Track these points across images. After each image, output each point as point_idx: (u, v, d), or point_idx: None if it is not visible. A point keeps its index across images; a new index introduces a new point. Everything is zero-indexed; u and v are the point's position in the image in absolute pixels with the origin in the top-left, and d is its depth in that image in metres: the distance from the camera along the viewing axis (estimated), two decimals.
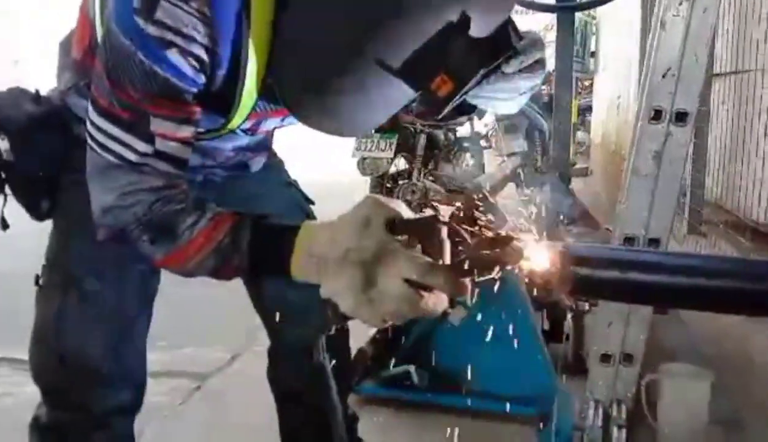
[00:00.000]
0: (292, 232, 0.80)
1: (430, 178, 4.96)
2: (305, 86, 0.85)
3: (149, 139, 0.84)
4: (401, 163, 5.12)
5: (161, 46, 0.81)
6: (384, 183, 4.92)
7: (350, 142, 4.84)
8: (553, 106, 3.37)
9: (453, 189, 4.92)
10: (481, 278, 0.73)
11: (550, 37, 4.00)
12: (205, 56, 0.84)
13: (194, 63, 0.84)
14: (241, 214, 0.84)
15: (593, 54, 8.91)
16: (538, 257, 0.71)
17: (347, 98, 0.83)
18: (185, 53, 0.82)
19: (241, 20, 0.85)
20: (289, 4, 0.83)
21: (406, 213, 0.78)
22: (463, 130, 5.47)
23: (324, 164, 7.07)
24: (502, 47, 0.80)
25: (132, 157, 0.84)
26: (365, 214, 0.77)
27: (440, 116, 0.82)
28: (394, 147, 4.66)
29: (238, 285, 1.33)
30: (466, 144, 5.52)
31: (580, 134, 8.46)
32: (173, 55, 0.82)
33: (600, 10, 7.82)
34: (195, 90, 0.86)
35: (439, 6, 0.75)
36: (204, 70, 0.86)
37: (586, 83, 9.11)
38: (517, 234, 0.73)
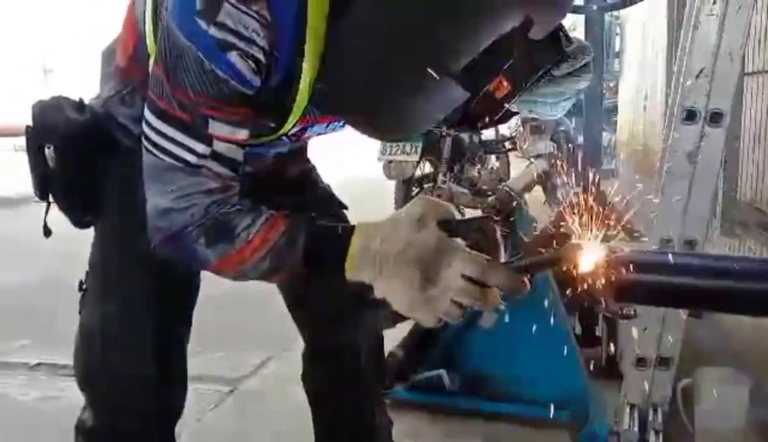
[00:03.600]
0: (347, 231, 0.81)
1: (456, 181, 4.94)
2: (359, 91, 0.85)
3: (208, 140, 0.85)
4: (426, 167, 5.12)
5: (222, 48, 0.82)
6: (410, 186, 4.92)
7: (375, 146, 4.85)
8: (579, 108, 3.35)
9: (478, 192, 4.90)
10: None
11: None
12: (263, 59, 0.85)
13: (253, 66, 0.84)
14: (294, 215, 0.84)
15: (618, 54, 8.83)
16: (587, 259, 0.71)
17: (400, 102, 0.83)
18: (245, 56, 0.83)
19: (297, 25, 0.86)
20: (344, 10, 0.84)
21: (456, 214, 0.79)
22: (488, 133, 5.45)
23: (349, 168, 7.09)
24: (556, 50, 0.80)
25: (191, 158, 0.85)
26: (420, 213, 0.78)
27: (497, 119, 0.83)
28: (419, 151, 4.66)
29: (269, 289, 1.34)
30: (491, 147, 5.49)
31: (605, 135, 8.37)
32: (234, 57, 0.83)
33: (624, 11, 7.75)
34: (251, 93, 0.87)
35: (499, 10, 0.75)
36: (261, 74, 0.86)
37: (611, 84, 9.02)
38: (569, 235, 0.73)
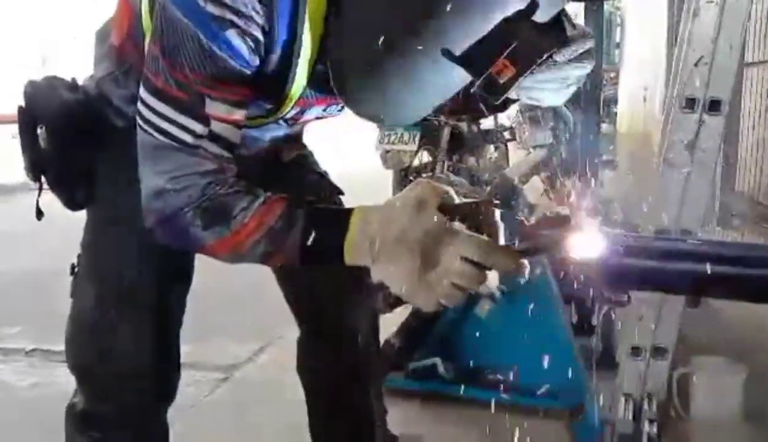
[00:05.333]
0: (346, 213, 0.81)
1: (454, 171, 4.93)
2: (359, 73, 0.84)
3: (205, 120, 0.84)
4: (424, 156, 5.10)
5: (220, 25, 0.81)
6: (407, 176, 4.91)
7: (372, 135, 4.84)
8: (578, 98, 3.33)
9: (477, 182, 4.89)
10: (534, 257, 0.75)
11: None
12: (261, 38, 0.84)
13: (251, 44, 0.83)
14: (292, 198, 0.84)
15: (618, 45, 8.81)
16: (586, 243, 0.71)
17: (401, 85, 0.82)
18: (243, 34, 0.82)
19: (297, 4, 0.85)
20: None
21: (456, 198, 0.78)
22: (487, 123, 5.43)
23: (347, 156, 7.07)
24: (560, 34, 0.79)
25: (188, 138, 0.84)
26: (419, 196, 0.77)
27: (498, 103, 0.82)
28: (417, 140, 4.64)
29: (265, 276, 1.33)
30: (490, 136, 5.48)
31: (605, 126, 8.35)
32: (232, 35, 0.82)
33: (625, 0, 7.73)
34: (249, 72, 0.85)
35: None
36: (259, 53, 0.85)
37: (611, 75, 8.99)
38: (567, 218, 0.73)
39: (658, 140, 1.92)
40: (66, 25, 9.26)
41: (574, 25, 0.86)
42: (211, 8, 0.80)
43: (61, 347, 1.17)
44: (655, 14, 5.42)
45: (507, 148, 5.70)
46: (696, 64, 1.69)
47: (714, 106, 1.68)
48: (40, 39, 9.33)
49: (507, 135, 5.61)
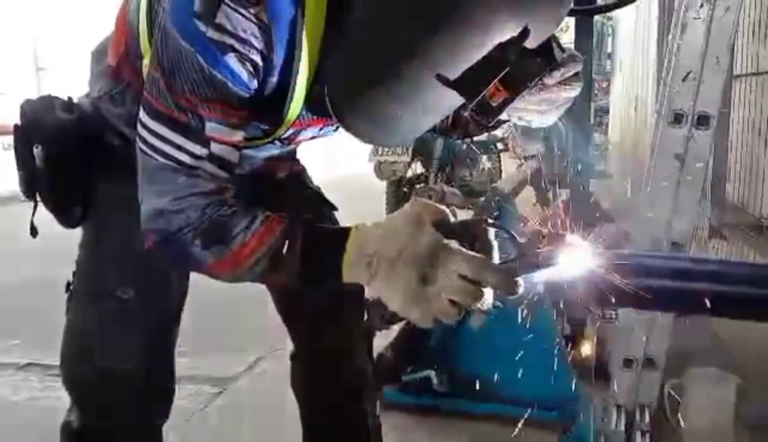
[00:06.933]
0: (344, 232, 0.82)
1: (447, 182, 4.95)
2: (355, 95, 0.86)
3: (205, 142, 0.85)
4: (418, 167, 5.13)
5: (221, 50, 0.82)
6: (401, 187, 4.93)
7: (366, 146, 4.86)
8: (570, 109, 3.35)
9: (470, 193, 4.91)
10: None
11: (566, 39, 3.98)
12: (260, 62, 0.86)
13: (250, 68, 0.85)
14: (291, 217, 0.85)
15: (609, 55, 8.88)
16: (580, 261, 0.72)
17: (397, 107, 0.84)
18: (243, 58, 0.84)
19: (294, 28, 0.86)
20: (341, 15, 0.85)
21: (451, 217, 0.80)
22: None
23: (340, 167, 7.08)
24: (549, 58, 0.81)
25: (187, 160, 0.85)
26: (416, 214, 0.79)
27: (490, 125, 0.84)
28: (410, 151, 4.67)
29: (260, 289, 1.34)
30: (482, 148, 5.51)
31: (597, 136, 8.41)
32: (231, 59, 0.83)
33: (616, 12, 7.80)
34: (248, 96, 0.87)
35: (497, 19, 0.76)
36: (257, 76, 0.87)
37: (603, 85, 9.06)
38: (560, 235, 0.74)
39: (648, 151, 1.95)
40: (66, 25, 9.23)
41: (562, 49, 0.88)
42: (212, 33, 0.82)
43: (57, 362, 1.17)
44: (646, 25, 5.48)
45: (500, 159, 5.73)
46: (684, 79, 1.71)
47: (702, 120, 1.70)
48: (37, 38, 9.29)
49: (500, 146, 5.64)
